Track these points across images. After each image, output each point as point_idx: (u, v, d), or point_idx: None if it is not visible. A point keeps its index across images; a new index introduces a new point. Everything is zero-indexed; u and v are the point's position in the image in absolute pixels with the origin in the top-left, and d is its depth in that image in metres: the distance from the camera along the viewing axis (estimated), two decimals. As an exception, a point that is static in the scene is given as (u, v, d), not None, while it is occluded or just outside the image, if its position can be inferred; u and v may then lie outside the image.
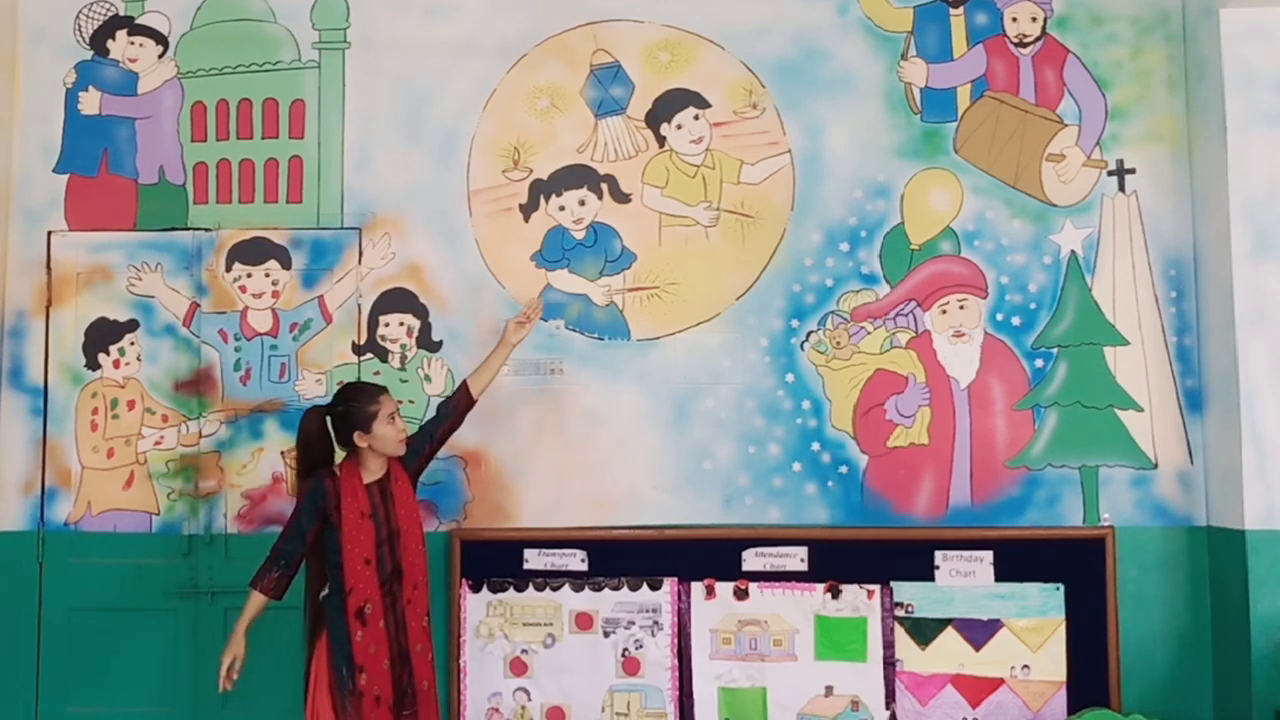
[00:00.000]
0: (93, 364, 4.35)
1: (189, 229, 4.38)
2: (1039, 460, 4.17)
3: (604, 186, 4.34)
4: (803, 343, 4.25)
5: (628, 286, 4.31)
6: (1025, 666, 4.04)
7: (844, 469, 4.21)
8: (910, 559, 4.10)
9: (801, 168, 4.31)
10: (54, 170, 4.42)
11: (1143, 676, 4.06)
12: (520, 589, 4.15)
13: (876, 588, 4.08)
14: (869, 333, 4.24)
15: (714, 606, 4.12)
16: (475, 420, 4.19)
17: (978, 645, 4.06)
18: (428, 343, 4.31)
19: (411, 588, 3.50)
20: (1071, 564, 4.06)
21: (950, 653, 4.06)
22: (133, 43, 4.47)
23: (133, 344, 4.35)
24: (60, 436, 4.33)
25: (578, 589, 4.14)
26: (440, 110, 4.37)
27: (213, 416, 4.31)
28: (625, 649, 4.11)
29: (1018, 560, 4.07)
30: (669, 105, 4.35)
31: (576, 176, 4.34)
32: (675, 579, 4.13)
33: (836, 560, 4.10)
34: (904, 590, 4.09)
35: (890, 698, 4.05)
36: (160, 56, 4.46)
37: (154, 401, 4.33)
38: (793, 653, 4.09)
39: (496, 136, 4.36)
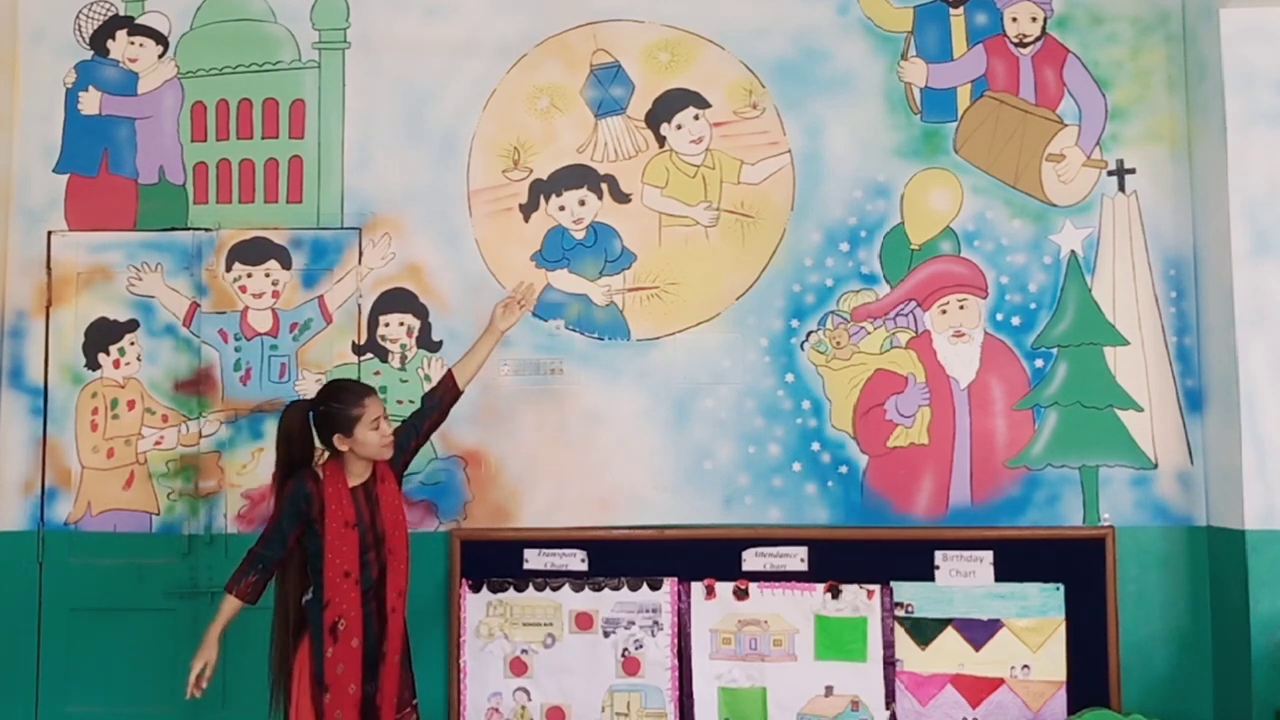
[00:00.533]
0: (93, 364, 4.35)
1: (189, 229, 4.38)
2: (1039, 460, 4.17)
3: (604, 186, 4.34)
4: (803, 343, 4.25)
5: (628, 286, 4.31)
6: (1025, 666, 4.04)
7: (844, 469, 4.21)
8: (910, 559, 4.10)
9: (801, 168, 4.31)
10: (54, 170, 4.42)
11: (1143, 676, 4.06)
12: (520, 589, 4.15)
13: (876, 588, 4.08)
14: (869, 333, 4.24)
15: (714, 606, 4.12)
16: (475, 420, 4.21)
17: (978, 645, 4.06)
18: (428, 343, 4.31)
19: (396, 595, 3.37)
20: (1071, 564, 4.06)
21: (950, 653, 4.06)
22: (133, 43, 4.47)
23: (133, 344, 4.35)
24: (60, 436, 4.33)
25: (578, 589, 4.14)
26: (440, 110, 4.38)
27: (213, 416, 4.31)
28: (625, 649, 4.11)
29: (1018, 560, 4.07)
30: (669, 105, 4.35)
31: (576, 176, 4.34)
32: (675, 579, 4.13)
33: (836, 560, 4.10)
34: (904, 590, 4.09)
35: (890, 698, 4.05)
36: (160, 56, 4.46)
37: (154, 401, 4.33)
38: (793, 653, 4.09)
39: (496, 136, 4.36)
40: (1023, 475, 4.17)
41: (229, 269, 4.36)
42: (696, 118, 4.35)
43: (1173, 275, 4.20)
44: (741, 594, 4.11)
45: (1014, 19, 4.32)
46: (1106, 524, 4.12)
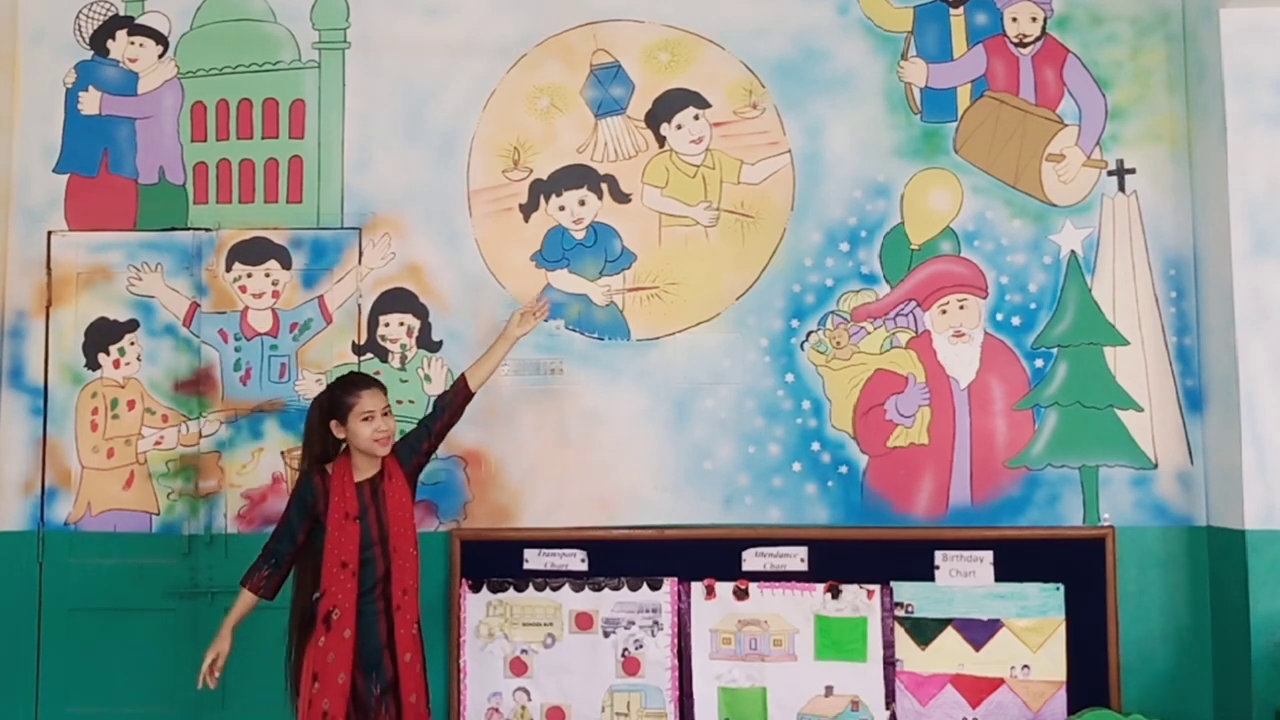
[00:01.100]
0: (93, 364, 4.35)
1: (189, 229, 4.38)
2: (1039, 460, 4.17)
3: (604, 186, 4.34)
4: (803, 343, 4.25)
5: (628, 286, 4.31)
6: (1025, 666, 4.04)
7: (844, 469, 4.21)
8: (910, 559, 4.10)
9: (801, 168, 4.31)
10: (54, 170, 4.42)
11: (1143, 676, 4.06)
12: (520, 589, 4.15)
13: (876, 588, 4.08)
14: (869, 333, 4.25)
15: (714, 606, 4.12)
16: (475, 420, 4.20)
17: (978, 645, 4.06)
18: (428, 343, 4.31)
19: (401, 593, 3.38)
20: (1071, 564, 4.06)
21: (950, 653, 4.06)
22: (133, 43, 4.47)
23: (133, 344, 4.35)
24: (60, 436, 4.33)
25: (578, 589, 4.14)
26: (440, 110, 4.38)
27: (213, 416, 4.31)
28: (625, 649, 4.11)
29: (1018, 560, 4.07)
30: (669, 105, 4.35)
31: (576, 176, 4.34)
32: (675, 579, 4.13)
33: (836, 560, 4.10)
34: (904, 590, 4.09)
35: (890, 698, 4.05)
36: (160, 56, 4.46)
37: (154, 401, 4.33)
38: (793, 653, 4.09)
39: (496, 136, 4.36)
40: (1023, 475, 4.17)
41: (229, 269, 4.36)
42: (696, 118, 4.35)
43: (1173, 275, 4.20)
44: (741, 594, 4.11)
45: (1014, 19, 4.32)
46: (1106, 524, 4.12)
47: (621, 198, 4.33)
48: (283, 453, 4.28)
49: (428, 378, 4.28)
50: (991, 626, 4.06)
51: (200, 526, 4.27)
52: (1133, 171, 4.24)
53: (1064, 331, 4.21)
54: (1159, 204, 4.23)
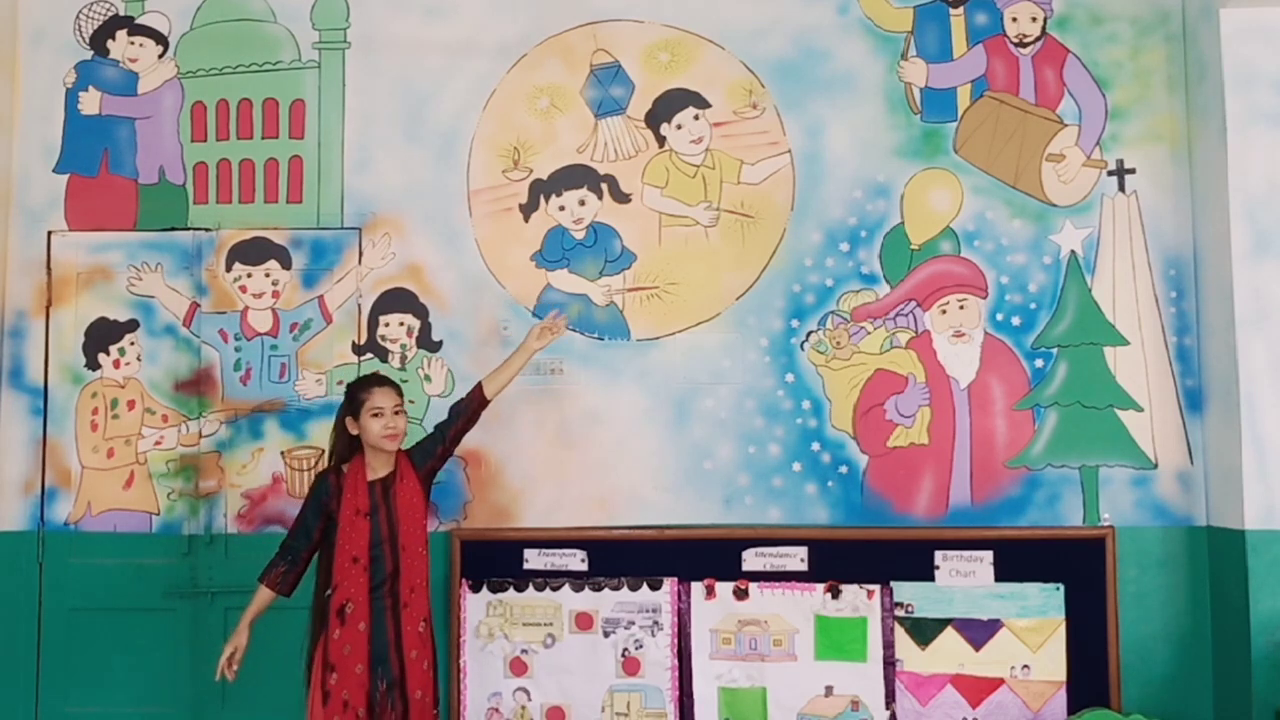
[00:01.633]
0: (93, 364, 4.35)
1: (189, 229, 4.38)
2: (1039, 460, 4.17)
3: (604, 186, 4.34)
4: (803, 343, 4.25)
5: (628, 286, 4.31)
6: (1025, 666, 4.04)
7: (844, 469, 4.21)
8: (910, 559, 4.09)
9: (801, 168, 4.31)
10: (54, 170, 4.42)
11: (1143, 676, 4.06)
12: (520, 589, 4.15)
13: (876, 588, 4.08)
14: (869, 333, 4.25)
15: (714, 606, 4.12)
16: (475, 420, 4.21)
17: (978, 645, 4.06)
18: (428, 343, 4.31)
19: (409, 591, 3.46)
20: (1071, 564, 4.06)
21: (950, 653, 4.06)
22: (133, 43, 4.47)
23: (133, 344, 4.35)
24: (60, 436, 4.33)
25: (578, 589, 4.14)
26: (440, 110, 4.38)
27: (213, 416, 4.31)
28: (625, 649, 4.11)
29: (1018, 560, 4.07)
30: (669, 105, 4.35)
31: (576, 176, 4.34)
32: (675, 579, 4.13)
33: (836, 560, 4.10)
34: (904, 590, 4.09)
35: (890, 698, 4.05)
36: (160, 56, 4.46)
37: (154, 401, 4.33)
38: (793, 653, 4.09)
39: (496, 136, 4.36)
40: (1023, 475, 4.17)
41: (229, 269, 4.36)
42: (696, 118, 4.35)
43: (1173, 275, 4.20)
44: (741, 594, 4.11)
45: (1014, 19, 4.32)
46: (1106, 524, 4.12)
47: (621, 198, 4.33)
48: (283, 453, 4.28)
49: (428, 378, 4.28)
50: (991, 626, 4.06)
51: (200, 526, 4.27)
52: (1133, 171, 4.24)
53: (1064, 331, 4.21)
54: (1159, 204, 4.23)
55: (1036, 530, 4.12)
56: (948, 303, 4.24)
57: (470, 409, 3.71)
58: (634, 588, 4.13)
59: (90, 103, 4.45)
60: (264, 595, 3.51)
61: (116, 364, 4.34)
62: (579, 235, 4.33)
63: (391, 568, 3.46)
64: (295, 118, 4.41)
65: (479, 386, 3.73)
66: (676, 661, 4.10)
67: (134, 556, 4.27)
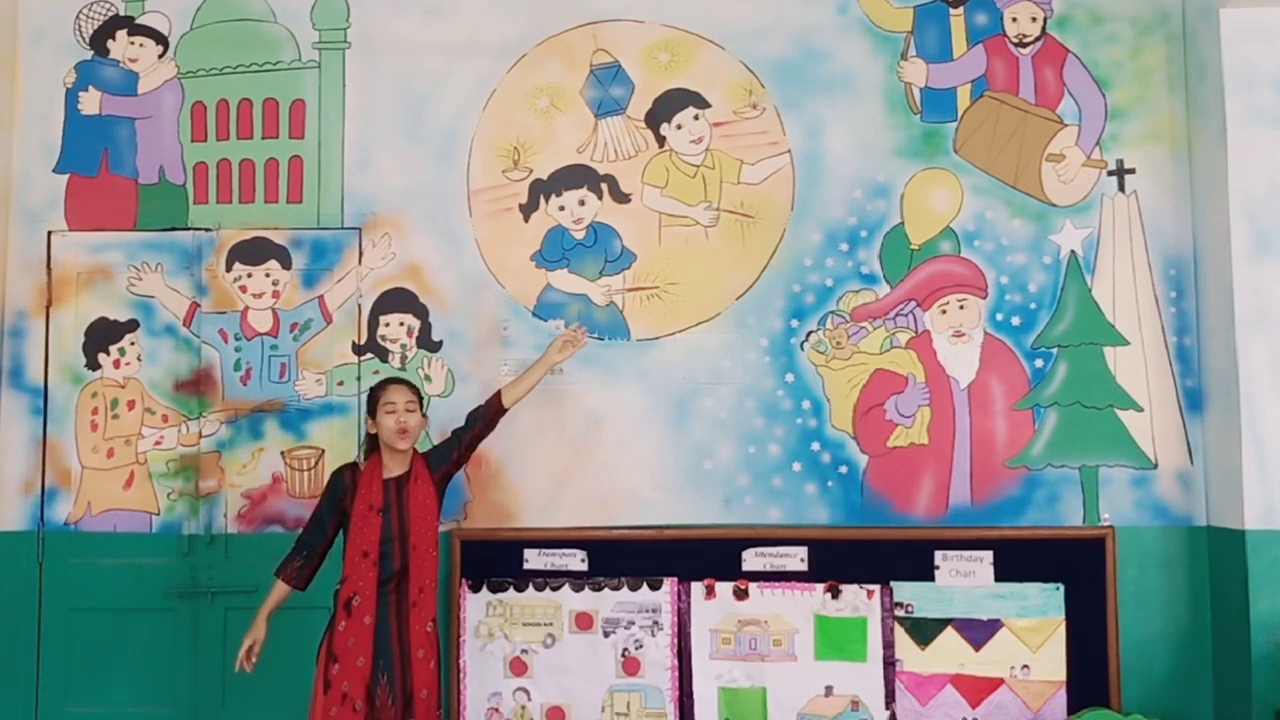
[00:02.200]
0: (93, 364, 4.35)
1: (189, 229, 4.38)
2: (1039, 460, 4.17)
3: (604, 186, 4.34)
4: (803, 343, 4.25)
5: (628, 286, 4.31)
6: (1025, 666, 4.04)
7: (844, 469, 4.21)
8: (910, 559, 4.10)
9: (801, 168, 4.31)
10: (54, 170, 4.42)
11: (1143, 676, 4.06)
12: (520, 589, 4.15)
13: (876, 588, 4.08)
14: (869, 333, 4.25)
15: (714, 606, 4.11)
16: (475, 420, 4.21)
17: (978, 645, 4.06)
18: (428, 343, 4.31)
19: (418, 590, 3.52)
20: (1071, 564, 4.06)
21: (950, 653, 4.06)
22: (133, 43, 4.47)
23: (133, 344, 4.35)
24: (60, 436, 4.33)
25: (578, 589, 4.14)
26: (440, 110, 4.38)
27: (213, 416, 4.31)
28: (625, 649, 4.11)
29: (1018, 560, 4.07)
30: (669, 105, 4.35)
31: (576, 176, 4.34)
32: (675, 579, 4.13)
33: (836, 560, 4.10)
34: (904, 590, 4.09)
35: (890, 698, 4.05)
36: (160, 56, 4.46)
37: (154, 401, 4.33)
38: (793, 653, 4.09)
39: (496, 136, 4.36)
40: (1023, 475, 4.17)
41: (229, 269, 4.36)
42: (696, 118, 4.35)
43: (1173, 275, 4.20)
44: (741, 594, 4.11)
45: (1014, 19, 4.32)
46: (1106, 524, 4.12)
47: (621, 198, 4.33)
48: (283, 453, 4.28)
49: (428, 378, 4.28)
50: (991, 626, 4.06)
51: (200, 526, 4.27)
52: (1133, 171, 4.24)
53: (1064, 331, 4.21)
54: (1159, 204, 4.23)
55: (1036, 530, 4.12)
56: (948, 303, 4.24)
57: (488, 416, 3.77)
58: (634, 588, 4.13)
59: (90, 103, 4.45)
60: (280, 589, 3.58)
61: (116, 364, 4.34)
62: (579, 235, 4.33)
63: (400, 565, 3.50)
64: (295, 118, 4.41)
65: (498, 395, 3.79)
66: (676, 661, 4.10)
67: (134, 556, 4.27)
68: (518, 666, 4.13)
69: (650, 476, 4.23)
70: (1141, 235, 4.23)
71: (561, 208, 4.34)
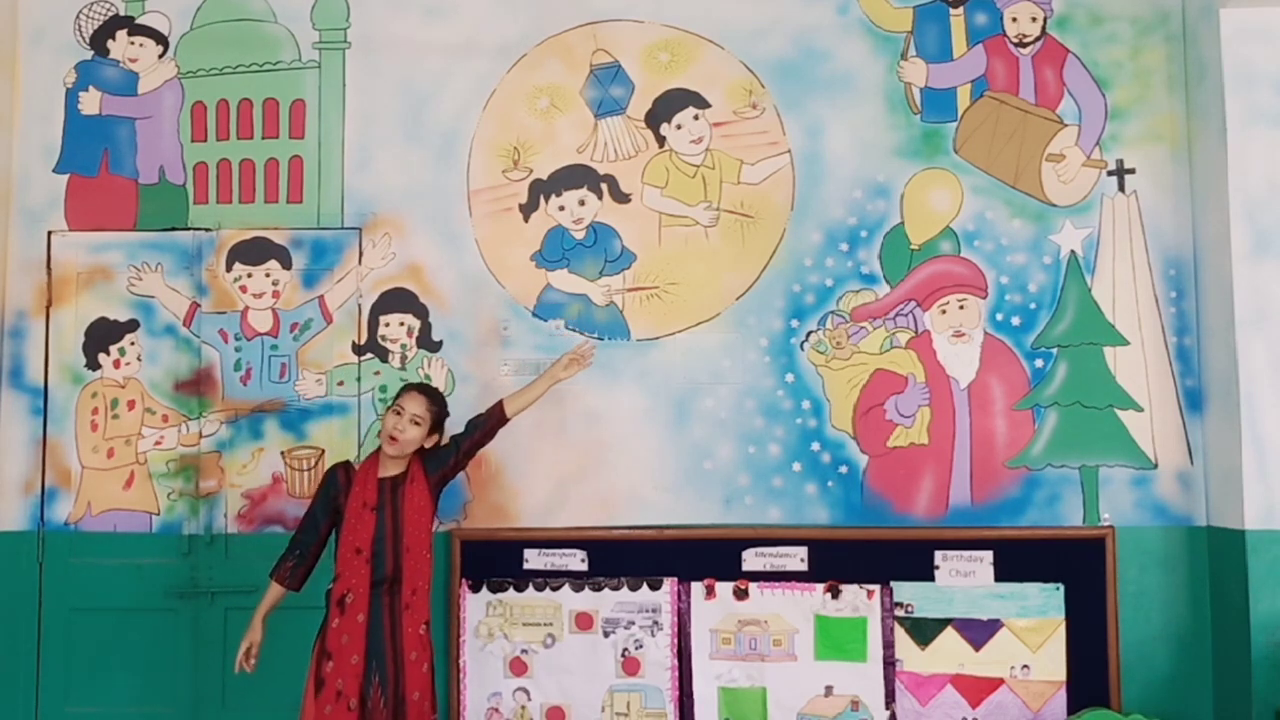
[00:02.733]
0: (93, 364, 4.35)
1: (189, 229, 4.38)
2: (1039, 460, 4.17)
3: (604, 186, 4.34)
4: (802, 343, 4.26)
5: (628, 286, 4.31)
6: (1025, 666, 4.04)
7: (844, 469, 4.21)
8: (910, 559, 4.10)
9: (801, 168, 4.31)
10: (54, 170, 4.42)
11: (1143, 676, 4.06)
12: (520, 589, 4.15)
13: (876, 588, 4.08)
14: (869, 333, 4.25)
15: (714, 606, 4.12)
16: (475, 420, 4.21)
17: (978, 645, 4.06)
18: (428, 343, 4.31)
19: (410, 592, 3.50)
20: (1071, 564, 4.06)
21: (950, 653, 4.06)
22: (133, 43, 4.47)
23: (133, 344, 4.35)
24: (60, 436, 4.33)
25: (578, 589, 4.14)
26: (440, 110, 4.38)
27: (213, 416, 4.31)
28: (625, 649, 4.11)
29: (1018, 560, 4.07)
30: (669, 105, 4.35)
31: (576, 176, 4.34)
32: (675, 579, 4.13)
33: (836, 560, 4.10)
34: (904, 590, 4.09)
35: (890, 698, 4.05)
36: (160, 56, 4.46)
37: (154, 401, 4.33)
38: (793, 653, 4.09)
39: (496, 136, 4.36)
40: (1023, 475, 4.17)
41: (229, 269, 4.36)
42: (696, 118, 4.35)
43: (1173, 275, 4.20)
44: (741, 594, 4.11)
45: (1014, 19, 4.32)
46: (1106, 524, 4.12)
47: (621, 198, 4.33)
48: (283, 453, 4.28)
49: (428, 378, 4.28)
50: (991, 626, 4.06)
51: (200, 526, 4.27)
52: (1133, 171, 4.24)
53: (1064, 331, 4.21)
54: (1159, 204, 4.23)
55: (1036, 530, 4.12)
56: (947, 303, 4.24)
57: (489, 425, 3.77)
58: (634, 588, 4.13)
59: (90, 103, 4.45)
60: (275, 590, 3.58)
61: (116, 364, 4.34)
62: (579, 235, 4.33)
63: (392, 566, 3.49)
64: (295, 118, 4.41)
65: (500, 405, 3.79)
66: (676, 661, 4.10)
67: (134, 556, 4.27)
68: (518, 666, 4.13)
69: (650, 476, 4.23)
70: (1141, 235, 4.23)
71: (561, 208, 4.34)
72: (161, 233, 4.37)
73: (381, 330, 4.33)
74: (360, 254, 4.34)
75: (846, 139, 4.31)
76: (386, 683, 3.44)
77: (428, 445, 3.68)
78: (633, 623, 4.11)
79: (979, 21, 4.34)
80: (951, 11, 4.35)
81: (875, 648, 4.06)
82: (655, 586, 4.13)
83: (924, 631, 4.07)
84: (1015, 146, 4.28)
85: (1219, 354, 4.03)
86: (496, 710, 4.12)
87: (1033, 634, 4.04)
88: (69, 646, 4.25)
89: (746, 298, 4.28)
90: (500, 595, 4.14)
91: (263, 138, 4.41)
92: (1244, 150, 3.96)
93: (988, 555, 4.08)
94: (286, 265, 4.35)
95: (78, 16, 4.48)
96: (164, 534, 4.28)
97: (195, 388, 4.32)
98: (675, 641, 4.11)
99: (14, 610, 4.26)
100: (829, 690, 4.06)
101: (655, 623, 4.11)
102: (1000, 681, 4.05)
